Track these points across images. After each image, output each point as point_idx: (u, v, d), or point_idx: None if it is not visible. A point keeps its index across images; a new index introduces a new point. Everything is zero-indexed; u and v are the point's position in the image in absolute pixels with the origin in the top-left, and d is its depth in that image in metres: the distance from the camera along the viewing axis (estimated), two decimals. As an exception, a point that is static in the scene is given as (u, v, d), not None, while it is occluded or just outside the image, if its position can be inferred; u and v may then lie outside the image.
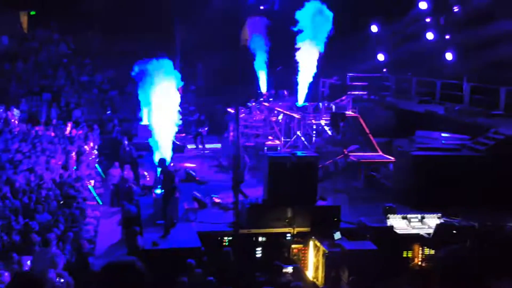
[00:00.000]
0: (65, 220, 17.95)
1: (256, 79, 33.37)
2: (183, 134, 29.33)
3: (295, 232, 18.31)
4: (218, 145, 29.36)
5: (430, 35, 32.46)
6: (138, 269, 4.44)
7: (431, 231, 17.83)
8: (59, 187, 21.14)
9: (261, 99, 29.99)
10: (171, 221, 17.95)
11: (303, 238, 18.39)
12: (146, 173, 24.83)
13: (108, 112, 36.36)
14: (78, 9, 40.96)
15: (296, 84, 29.09)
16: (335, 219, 18.74)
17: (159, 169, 19.13)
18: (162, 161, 18.74)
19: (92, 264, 15.78)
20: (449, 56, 31.04)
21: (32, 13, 43.27)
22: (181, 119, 26.98)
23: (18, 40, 41.42)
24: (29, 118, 33.29)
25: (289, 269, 16.66)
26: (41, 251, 14.96)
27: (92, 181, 24.32)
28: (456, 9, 30.66)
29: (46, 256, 14.51)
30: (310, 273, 17.95)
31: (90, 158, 26.51)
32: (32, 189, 20.34)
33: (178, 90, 27.26)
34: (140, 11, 38.74)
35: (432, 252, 17.59)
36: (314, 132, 26.98)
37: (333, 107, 27.08)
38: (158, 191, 18.91)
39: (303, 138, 26.07)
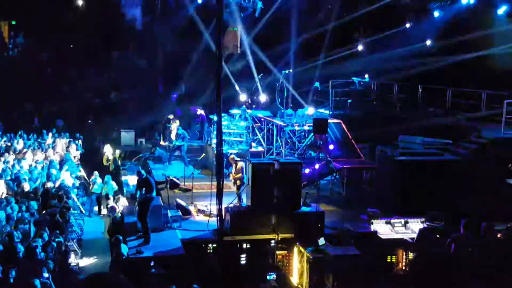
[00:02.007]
0: (49, 230, 17.85)
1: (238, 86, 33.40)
2: (166, 142, 29.25)
3: (279, 239, 18.31)
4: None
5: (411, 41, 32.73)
6: (120, 282, 4.43)
7: (414, 235, 17.88)
8: (42, 196, 21.03)
9: (244, 106, 29.97)
10: (147, 228, 17.97)
11: (287, 244, 18.40)
12: (129, 181, 24.79)
13: (90, 120, 36.27)
14: (61, 18, 41.09)
15: (279, 91, 29.18)
16: (319, 225, 18.78)
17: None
18: (138, 171, 18.95)
19: (76, 273, 15.72)
20: (429, 60, 31.27)
21: (13, 22, 43.15)
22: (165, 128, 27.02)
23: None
24: (11, 128, 33.15)
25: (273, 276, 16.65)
26: (25, 261, 14.87)
27: (75, 190, 24.23)
28: (436, 14, 30.91)
29: (30, 266, 14.43)
30: (295, 279, 17.96)
31: (73, 167, 26.39)
32: (16, 198, 20.22)
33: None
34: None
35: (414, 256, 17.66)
36: (297, 138, 27.00)
37: (316, 113, 27.16)
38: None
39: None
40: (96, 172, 24.42)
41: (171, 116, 30.53)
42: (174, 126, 28.30)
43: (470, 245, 16.15)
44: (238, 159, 21.57)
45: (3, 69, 39.20)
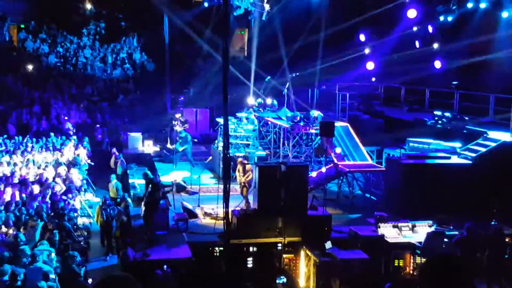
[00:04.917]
0: (57, 233, 17.87)
1: (245, 89, 33.39)
2: (173, 146, 29.21)
3: (286, 242, 18.29)
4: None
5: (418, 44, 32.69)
6: (132, 284, 4.41)
7: (422, 239, 17.82)
8: (50, 199, 21.06)
9: (251, 109, 29.95)
10: (152, 232, 17.99)
11: (294, 248, 18.36)
12: (136, 184, 24.80)
13: (98, 125, 36.28)
14: (69, 20, 41.28)
15: (286, 93, 29.16)
16: (326, 229, 18.75)
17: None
18: (145, 173, 18.97)
19: (84, 276, 15.73)
20: (437, 64, 31.20)
21: (22, 25, 43.27)
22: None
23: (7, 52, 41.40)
24: (19, 130, 33.22)
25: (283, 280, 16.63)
26: (32, 264, 14.88)
27: (83, 193, 24.25)
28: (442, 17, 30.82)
29: (37, 269, 14.45)
30: (301, 283, 17.92)
31: (81, 170, 26.42)
32: (24, 201, 20.25)
33: None
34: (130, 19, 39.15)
35: (424, 260, 17.58)
36: (304, 141, 26.97)
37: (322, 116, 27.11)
38: None
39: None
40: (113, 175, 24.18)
41: (182, 119, 30.48)
42: (179, 128, 28.31)
43: (475, 249, 16.15)
44: (246, 162, 21.54)
45: (10, 71, 39.29)
